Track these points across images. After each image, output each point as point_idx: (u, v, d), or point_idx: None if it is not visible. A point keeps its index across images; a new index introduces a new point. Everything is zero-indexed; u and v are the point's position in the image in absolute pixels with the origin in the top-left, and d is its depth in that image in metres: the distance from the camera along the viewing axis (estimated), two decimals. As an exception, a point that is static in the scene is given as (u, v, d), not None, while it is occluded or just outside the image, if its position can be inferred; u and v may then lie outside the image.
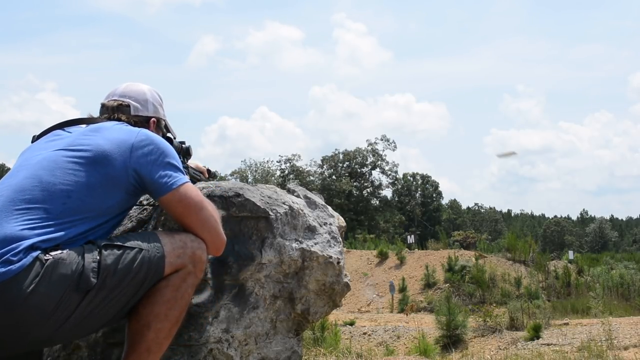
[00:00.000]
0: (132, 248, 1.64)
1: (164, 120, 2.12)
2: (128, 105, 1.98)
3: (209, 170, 2.54)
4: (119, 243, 1.64)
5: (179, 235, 1.75)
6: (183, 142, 2.26)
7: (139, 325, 1.67)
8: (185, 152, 2.25)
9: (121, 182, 1.73)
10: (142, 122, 1.98)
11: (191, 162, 2.46)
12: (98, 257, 1.58)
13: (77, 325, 1.57)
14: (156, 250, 1.66)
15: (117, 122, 1.90)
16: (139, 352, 1.66)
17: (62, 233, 1.59)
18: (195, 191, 1.80)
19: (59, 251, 1.55)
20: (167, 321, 1.68)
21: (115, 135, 1.78)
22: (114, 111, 1.96)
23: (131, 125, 1.91)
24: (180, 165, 1.83)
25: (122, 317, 1.71)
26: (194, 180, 2.36)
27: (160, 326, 1.67)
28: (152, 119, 2.03)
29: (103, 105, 1.99)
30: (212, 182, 2.49)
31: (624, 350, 5.77)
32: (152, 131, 1.99)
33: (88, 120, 1.92)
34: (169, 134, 2.18)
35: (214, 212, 1.82)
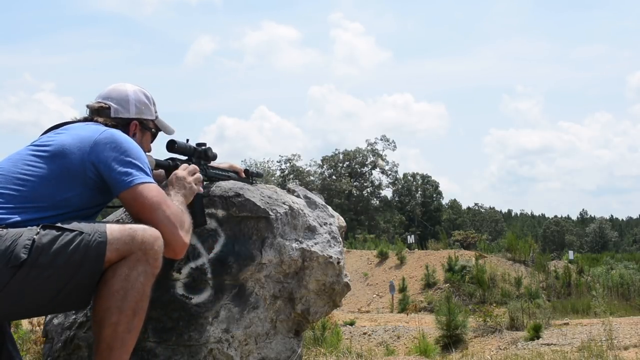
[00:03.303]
0: (72, 231, 1.65)
1: (152, 120, 2.12)
2: (109, 108, 2.01)
3: (246, 170, 2.51)
4: (59, 225, 1.67)
5: (132, 225, 1.74)
6: (203, 144, 2.25)
7: (95, 324, 1.67)
8: (201, 154, 2.24)
9: (78, 175, 1.78)
10: (122, 124, 2.00)
11: (225, 163, 2.45)
12: (35, 236, 1.61)
13: (13, 303, 1.59)
14: (98, 235, 1.65)
15: (90, 123, 1.94)
16: (101, 351, 1.64)
17: (11, 216, 1.67)
18: (154, 192, 1.79)
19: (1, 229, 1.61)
20: (122, 314, 1.63)
21: (80, 132, 1.85)
22: (94, 113, 2.00)
23: (107, 126, 1.94)
24: (145, 166, 1.83)
25: (71, 304, 1.72)
26: (216, 180, 2.33)
27: (116, 320, 1.63)
28: (134, 121, 2.04)
29: (88, 107, 2.04)
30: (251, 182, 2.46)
31: (624, 350, 5.76)
32: (135, 133, 2.03)
33: (72, 123, 1.97)
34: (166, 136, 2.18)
35: (173, 214, 1.80)
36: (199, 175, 2.07)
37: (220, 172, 2.37)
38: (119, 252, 1.66)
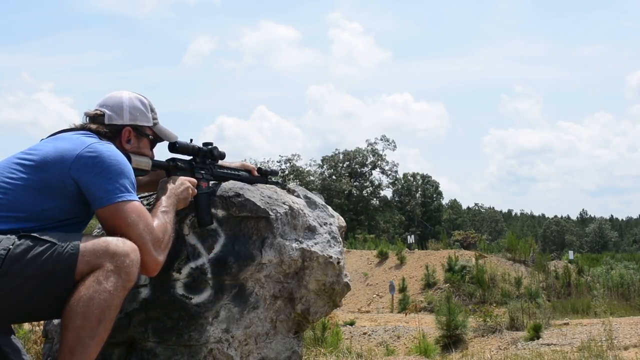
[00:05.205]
0: (47, 241, 1.67)
1: (149, 127, 2.11)
2: (103, 115, 2.02)
3: (259, 169, 2.49)
4: (36, 235, 1.69)
5: (107, 237, 1.75)
6: (209, 144, 2.24)
7: (61, 327, 1.68)
8: (206, 153, 2.23)
9: (57, 189, 1.79)
10: (115, 131, 2.01)
11: (236, 162, 2.44)
12: (10, 246, 1.63)
13: None
14: (70, 247, 1.68)
15: (81, 133, 1.94)
16: (63, 353, 1.64)
17: None
18: (129, 210, 1.79)
19: None
20: (86, 320, 1.63)
21: (65, 144, 1.84)
22: (90, 120, 2.02)
23: (100, 135, 1.95)
24: (128, 183, 1.82)
25: (44, 314, 1.77)
26: (225, 180, 2.32)
27: (79, 324, 1.63)
28: (126, 127, 2.04)
29: (85, 114, 2.05)
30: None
31: (624, 350, 5.76)
32: (130, 139, 2.04)
33: (71, 130, 1.98)
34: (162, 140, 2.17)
35: (147, 233, 1.80)
36: (189, 185, 2.07)
37: (229, 172, 2.35)
38: (90, 265, 1.67)
